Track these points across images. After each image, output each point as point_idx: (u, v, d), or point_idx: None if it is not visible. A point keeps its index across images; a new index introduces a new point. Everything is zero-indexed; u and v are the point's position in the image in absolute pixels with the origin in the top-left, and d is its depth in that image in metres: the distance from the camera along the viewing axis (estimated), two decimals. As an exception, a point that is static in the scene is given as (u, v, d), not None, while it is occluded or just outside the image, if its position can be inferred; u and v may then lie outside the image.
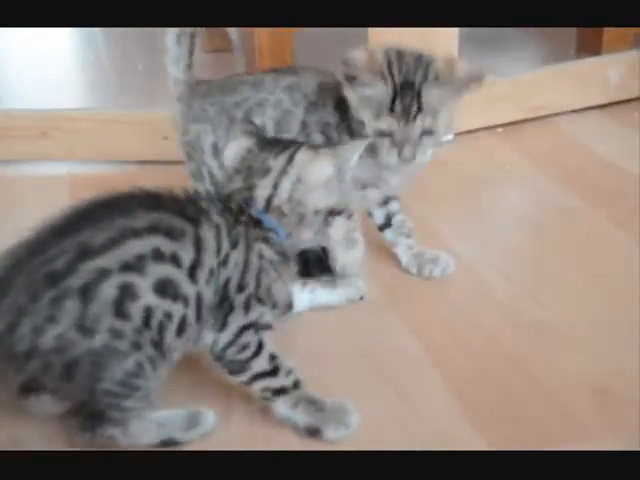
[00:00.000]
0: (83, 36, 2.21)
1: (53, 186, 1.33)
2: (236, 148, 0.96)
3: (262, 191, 0.92)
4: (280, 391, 0.89)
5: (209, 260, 0.85)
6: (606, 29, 1.50)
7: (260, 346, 0.89)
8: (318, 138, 1.11)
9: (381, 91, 1.03)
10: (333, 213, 1.05)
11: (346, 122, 1.09)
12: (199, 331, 0.87)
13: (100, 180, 1.35)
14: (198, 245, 0.84)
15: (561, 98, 1.42)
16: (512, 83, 1.37)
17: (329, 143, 1.08)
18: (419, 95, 1.02)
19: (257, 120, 1.11)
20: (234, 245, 0.88)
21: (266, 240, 0.91)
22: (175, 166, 1.21)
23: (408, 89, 1.02)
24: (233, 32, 1.73)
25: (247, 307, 0.89)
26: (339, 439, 0.87)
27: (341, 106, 1.09)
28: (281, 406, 0.89)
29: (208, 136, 1.15)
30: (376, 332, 1.05)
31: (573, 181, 1.23)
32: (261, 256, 0.90)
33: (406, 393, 0.94)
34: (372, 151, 1.04)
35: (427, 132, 1.04)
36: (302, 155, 0.93)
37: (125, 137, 1.45)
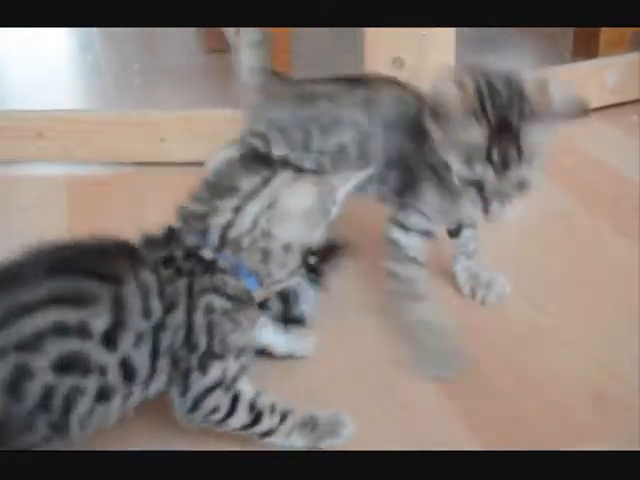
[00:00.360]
0: (80, 37, 2.19)
1: (50, 187, 1.31)
2: (217, 161, 0.84)
3: (219, 218, 0.79)
4: (268, 433, 0.83)
5: (135, 322, 0.75)
6: (602, 32, 1.49)
7: (234, 403, 0.80)
8: (394, 171, 0.99)
9: (476, 135, 0.86)
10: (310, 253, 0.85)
11: (424, 153, 0.95)
12: (145, 386, 0.78)
13: (97, 181, 1.32)
14: (118, 307, 0.74)
15: None
16: None
17: (407, 178, 0.98)
18: (518, 138, 0.86)
19: (334, 140, 1.01)
20: (170, 308, 0.77)
21: (217, 289, 0.79)
22: (172, 168, 1.18)
23: (506, 131, 0.86)
24: (231, 33, 1.72)
25: (204, 367, 0.78)
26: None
27: (421, 133, 0.93)
28: (274, 440, 0.84)
29: (279, 146, 1.03)
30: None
31: (570, 184, 1.25)
32: (210, 310, 0.79)
33: (403, 397, 0.93)
34: (445, 194, 0.92)
35: (523, 184, 0.88)
36: (281, 178, 0.80)
37: (122, 138, 1.42)
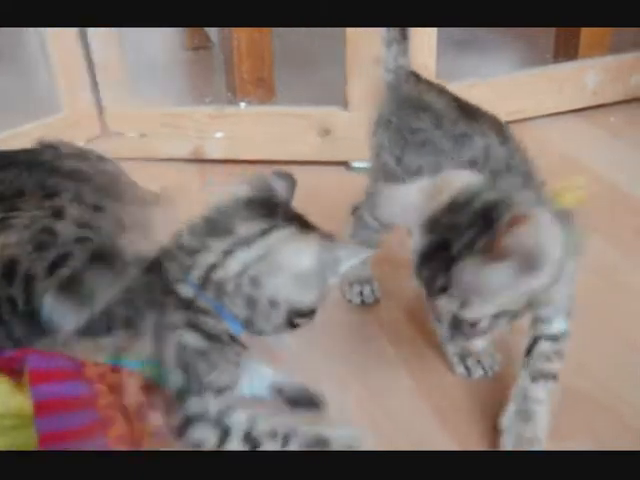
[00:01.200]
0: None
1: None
2: (226, 197, 0.82)
3: (207, 257, 0.76)
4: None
5: None
6: (583, 34, 1.51)
7: (224, 437, 0.75)
8: None
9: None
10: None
11: None
12: None
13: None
14: None
15: (538, 102, 1.44)
16: (489, 86, 1.38)
17: None
18: None
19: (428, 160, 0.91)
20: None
21: (191, 326, 0.75)
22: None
23: None
24: (212, 30, 1.74)
25: (181, 401, 0.75)
26: None
27: None
28: None
29: (384, 152, 1.00)
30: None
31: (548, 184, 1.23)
32: (182, 347, 0.75)
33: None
34: None
35: None
36: (283, 232, 0.78)
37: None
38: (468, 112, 0.94)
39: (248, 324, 0.79)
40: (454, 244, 0.71)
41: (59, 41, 1.60)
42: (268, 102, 1.40)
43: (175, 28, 1.90)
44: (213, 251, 0.76)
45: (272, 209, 0.81)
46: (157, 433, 0.68)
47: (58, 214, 0.96)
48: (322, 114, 1.25)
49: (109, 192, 1.05)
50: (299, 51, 1.64)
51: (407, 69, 1.04)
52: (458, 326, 0.77)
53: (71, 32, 1.59)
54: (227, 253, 0.76)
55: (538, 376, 0.89)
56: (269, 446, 0.76)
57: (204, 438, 0.75)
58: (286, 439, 0.77)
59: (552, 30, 1.56)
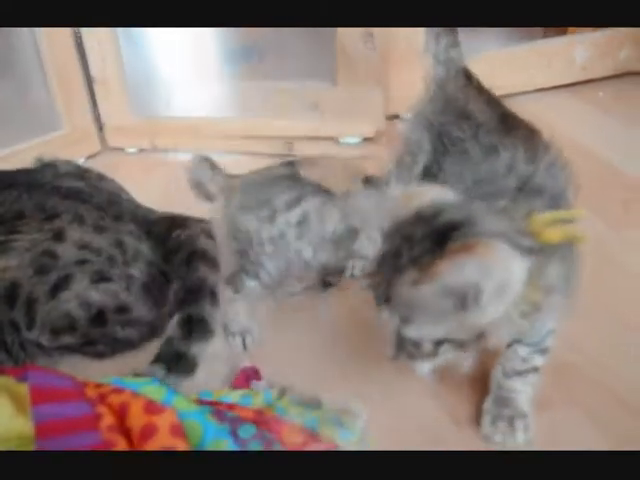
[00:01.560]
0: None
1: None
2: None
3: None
4: None
5: None
6: None
7: None
8: None
9: None
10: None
11: None
12: None
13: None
14: None
15: (528, 77, 1.45)
16: (481, 61, 1.28)
17: None
18: None
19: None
20: None
21: None
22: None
23: None
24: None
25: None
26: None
27: None
28: None
29: (423, 154, 0.98)
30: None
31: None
32: None
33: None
34: None
35: None
36: (312, 201, 0.95)
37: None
38: (506, 124, 0.91)
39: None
40: (404, 255, 0.69)
41: (56, 57, 1.62)
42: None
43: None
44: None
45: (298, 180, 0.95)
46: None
47: (58, 236, 0.97)
48: (310, 89, 1.29)
49: (109, 211, 1.06)
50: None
51: (459, 64, 1.01)
52: (402, 344, 0.75)
53: (68, 47, 1.60)
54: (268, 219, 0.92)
55: (512, 374, 0.86)
56: None
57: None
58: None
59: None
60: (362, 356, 0.98)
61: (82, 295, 0.95)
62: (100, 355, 1.01)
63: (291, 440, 0.75)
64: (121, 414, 0.69)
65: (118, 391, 0.73)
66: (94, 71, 1.71)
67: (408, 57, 1.19)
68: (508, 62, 1.43)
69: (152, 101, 2.08)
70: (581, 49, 1.46)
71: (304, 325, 1.05)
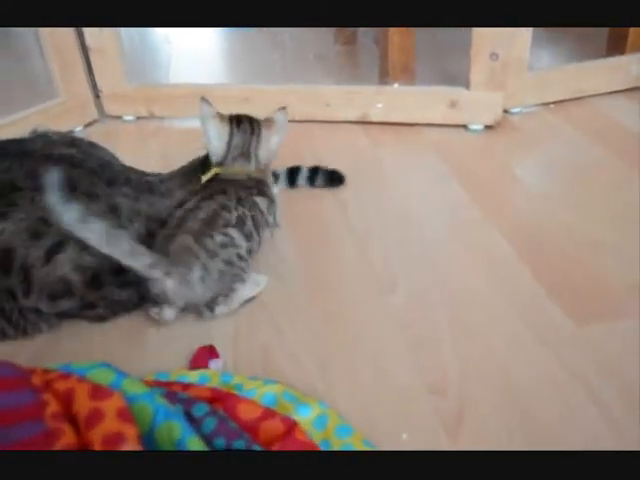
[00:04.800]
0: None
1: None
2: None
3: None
4: None
5: None
6: (630, 34, 1.81)
7: None
8: None
9: None
10: None
11: None
12: None
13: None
14: None
15: (596, 84, 1.74)
16: (561, 71, 1.73)
17: None
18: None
19: None
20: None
21: None
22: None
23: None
24: (360, 30, 2.32)
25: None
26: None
27: None
28: None
29: None
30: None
31: (604, 140, 1.52)
32: None
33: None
34: None
35: None
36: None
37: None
38: None
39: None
40: None
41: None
42: (411, 83, 1.80)
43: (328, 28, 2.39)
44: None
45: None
46: (109, 440, 0.63)
47: None
48: (450, 92, 1.62)
49: (102, 176, 1.05)
50: (434, 45, 2.10)
51: None
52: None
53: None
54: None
55: None
56: None
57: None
58: None
59: (605, 31, 1.93)
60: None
61: (76, 259, 0.94)
62: (101, 318, 1.00)
63: (247, 416, 0.75)
64: (67, 401, 0.67)
65: (64, 377, 0.70)
66: (90, 39, 1.71)
67: (519, 67, 1.61)
68: (582, 73, 1.74)
69: (149, 69, 2.17)
70: (636, 64, 1.76)
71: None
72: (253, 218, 1.03)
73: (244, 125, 1.09)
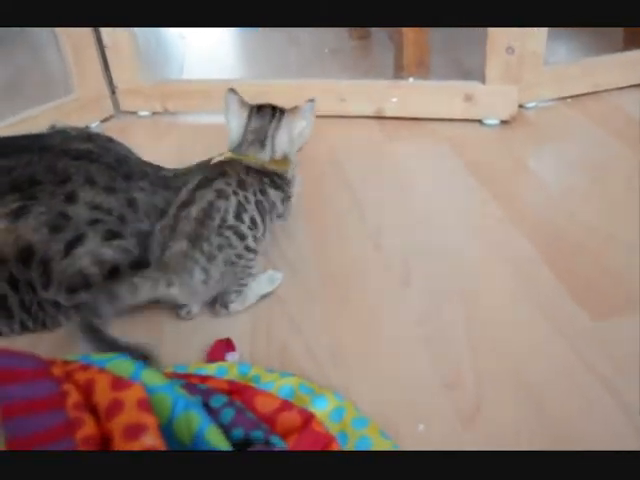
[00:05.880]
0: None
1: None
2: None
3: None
4: None
5: None
6: None
7: None
8: None
9: None
10: None
11: None
12: None
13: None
14: None
15: (612, 78, 1.73)
16: (578, 65, 1.73)
17: None
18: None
19: None
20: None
21: None
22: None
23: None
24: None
25: None
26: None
27: None
28: None
29: None
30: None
31: (621, 135, 1.51)
32: None
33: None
34: None
35: None
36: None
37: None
38: None
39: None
40: None
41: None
42: (426, 77, 1.80)
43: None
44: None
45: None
46: (130, 430, 0.63)
47: (70, 199, 0.98)
48: (465, 86, 1.61)
49: (119, 170, 1.06)
50: (449, 38, 2.09)
51: None
52: None
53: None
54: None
55: None
56: None
57: None
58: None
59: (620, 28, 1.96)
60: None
61: (95, 252, 0.96)
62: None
63: (265, 408, 0.75)
64: (87, 391, 0.67)
65: (84, 368, 0.70)
66: (106, 36, 1.72)
67: (535, 61, 1.60)
68: (599, 67, 1.73)
69: (163, 65, 2.20)
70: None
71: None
72: (258, 203, 0.99)
73: (265, 110, 1.07)
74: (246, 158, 1.04)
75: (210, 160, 1.11)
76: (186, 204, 0.94)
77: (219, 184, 0.95)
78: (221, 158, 1.05)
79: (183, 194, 0.96)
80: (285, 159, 1.07)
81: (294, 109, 1.08)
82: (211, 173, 0.99)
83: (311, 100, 1.08)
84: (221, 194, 0.94)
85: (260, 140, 1.05)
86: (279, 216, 1.08)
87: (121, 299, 0.86)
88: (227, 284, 0.96)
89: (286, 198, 1.07)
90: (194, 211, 0.93)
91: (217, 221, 0.92)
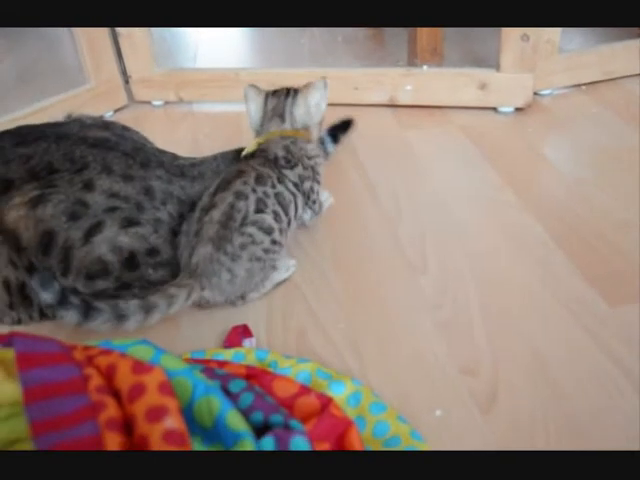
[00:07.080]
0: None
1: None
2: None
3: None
4: None
5: None
6: None
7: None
8: None
9: None
10: None
11: None
12: None
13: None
14: None
15: (627, 65, 1.72)
16: (594, 53, 1.71)
17: None
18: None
19: None
20: None
21: None
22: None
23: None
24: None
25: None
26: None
27: None
28: None
29: None
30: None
31: (636, 120, 1.52)
32: None
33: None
34: None
35: None
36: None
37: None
38: None
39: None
40: None
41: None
42: (440, 65, 1.82)
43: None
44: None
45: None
46: (152, 413, 0.63)
47: (88, 186, 0.99)
48: (480, 73, 1.62)
49: (136, 158, 1.07)
50: (462, 28, 2.08)
51: None
52: None
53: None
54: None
55: None
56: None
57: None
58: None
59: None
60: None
61: (113, 239, 0.96)
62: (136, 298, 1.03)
63: (283, 393, 0.75)
64: (109, 375, 0.67)
65: (106, 352, 0.71)
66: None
67: (550, 48, 1.59)
68: (613, 55, 1.71)
69: (177, 54, 2.21)
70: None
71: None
72: (277, 196, 1.00)
73: (279, 92, 1.13)
74: (269, 134, 1.08)
75: (226, 152, 1.14)
76: (208, 208, 0.96)
77: (237, 185, 0.97)
78: (251, 148, 1.08)
79: (205, 200, 0.98)
80: (306, 129, 1.11)
81: (307, 84, 1.12)
82: (228, 174, 1.00)
83: (323, 77, 1.13)
84: (240, 195, 0.96)
85: (279, 114, 1.10)
86: (312, 203, 1.10)
87: (159, 309, 0.87)
88: (251, 282, 0.97)
89: (304, 169, 1.07)
90: (216, 215, 0.94)
91: (238, 221, 0.94)
